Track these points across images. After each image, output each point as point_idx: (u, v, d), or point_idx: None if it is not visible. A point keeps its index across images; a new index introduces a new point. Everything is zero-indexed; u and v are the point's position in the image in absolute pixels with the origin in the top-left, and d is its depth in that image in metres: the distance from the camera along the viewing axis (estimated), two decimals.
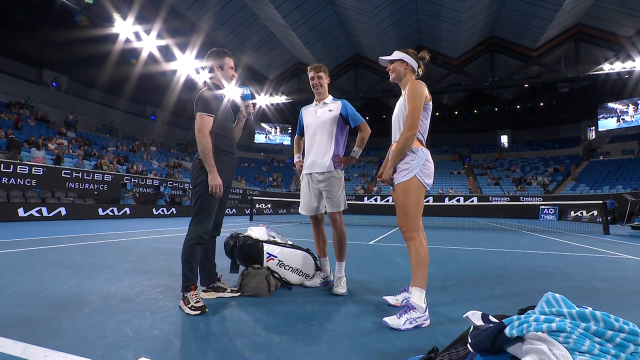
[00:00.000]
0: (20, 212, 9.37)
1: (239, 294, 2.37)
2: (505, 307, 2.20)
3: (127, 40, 18.50)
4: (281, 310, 2.11)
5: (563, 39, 21.91)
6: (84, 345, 1.51)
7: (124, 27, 17.20)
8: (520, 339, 0.93)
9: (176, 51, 20.71)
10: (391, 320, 1.82)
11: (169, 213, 14.40)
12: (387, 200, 23.01)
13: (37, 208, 9.78)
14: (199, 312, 1.96)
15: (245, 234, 2.74)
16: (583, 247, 5.90)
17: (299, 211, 2.74)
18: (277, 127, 33.81)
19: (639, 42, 19.31)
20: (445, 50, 24.46)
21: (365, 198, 25.04)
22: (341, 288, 2.51)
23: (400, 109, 2.18)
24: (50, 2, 14.61)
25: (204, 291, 2.36)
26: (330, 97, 2.89)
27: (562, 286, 2.94)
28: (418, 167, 2.04)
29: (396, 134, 2.19)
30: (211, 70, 2.49)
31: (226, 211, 15.84)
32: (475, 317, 1.18)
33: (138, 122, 27.20)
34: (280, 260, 2.60)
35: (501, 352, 0.97)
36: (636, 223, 9.11)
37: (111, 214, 11.94)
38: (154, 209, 13.85)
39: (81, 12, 15.24)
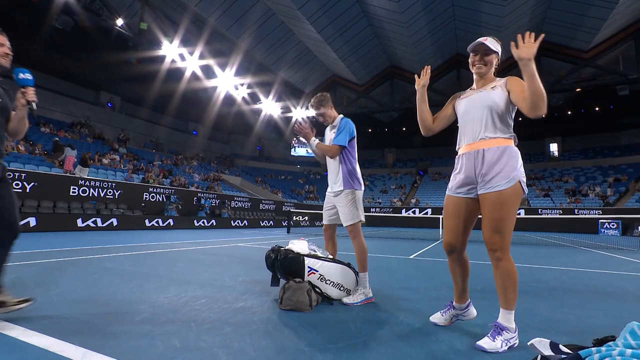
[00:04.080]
0: (79, 222, 10.18)
1: (27, 304, 2.03)
2: (570, 334, 1.98)
3: (173, 61, 19.84)
4: (324, 326, 2.06)
5: (620, 37, 20.27)
6: (136, 353, 1.57)
7: (170, 50, 18.48)
8: None
9: (217, 69, 21.85)
10: (487, 344, 1.70)
11: (209, 224, 14.94)
12: (426, 213, 22.26)
13: (93, 219, 10.57)
14: None
15: (287, 247, 2.74)
16: None
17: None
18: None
19: None
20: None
21: (403, 210, 24.41)
22: (351, 299, 2.58)
23: (489, 101, 1.85)
24: (108, 30, 16.09)
25: None
26: (338, 117, 2.91)
27: (637, 312, 2.62)
28: (521, 170, 1.79)
29: (478, 132, 1.87)
30: None
31: (263, 223, 16.01)
32: (542, 345, 1.07)
33: (181, 137, 28.84)
34: (321, 275, 2.56)
35: None
36: None
37: (156, 225, 12.61)
38: (195, 221, 14.44)
39: (135, 38, 16.62)
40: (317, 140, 2.82)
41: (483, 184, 1.82)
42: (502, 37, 1.85)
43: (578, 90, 23.38)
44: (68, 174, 12.01)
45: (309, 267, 2.55)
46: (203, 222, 14.71)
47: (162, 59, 19.08)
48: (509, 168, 1.76)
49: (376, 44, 24.08)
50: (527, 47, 1.62)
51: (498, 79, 1.96)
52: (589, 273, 4.52)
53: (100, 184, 12.07)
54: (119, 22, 15.98)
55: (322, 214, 3.00)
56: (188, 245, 6.86)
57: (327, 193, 2.97)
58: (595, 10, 17.78)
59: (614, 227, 18.45)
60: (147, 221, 12.28)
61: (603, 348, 0.89)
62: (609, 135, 29.09)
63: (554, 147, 31.62)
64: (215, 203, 17.19)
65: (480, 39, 1.92)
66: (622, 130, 28.51)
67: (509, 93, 1.84)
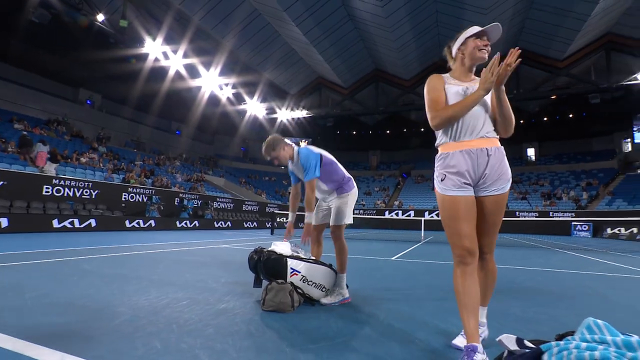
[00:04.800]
0: (55, 223, 9.84)
1: None
2: (538, 331, 2.09)
3: (156, 59, 19.48)
4: (305, 326, 2.09)
5: (592, 48, 21.25)
6: (116, 356, 1.56)
7: (153, 47, 18.14)
8: None
9: (201, 68, 21.59)
10: (462, 343, 1.74)
11: (191, 226, 14.72)
12: (409, 215, 22.60)
13: (70, 219, 10.24)
14: None
15: (270, 249, 2.76)
16: (624, 268, 5.55)
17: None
18: (298, 141, 34.20)
19: None
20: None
21: (386, 212, 24.70)
22: (329, 299, 2.65)
23: (486, 97, 1.75)
24: (88, 26, 15.65)
25: None
26: (295, 153, 2.86)
27: (602, 310, 2.77)
28: None
29: (480, 128, 1.72)
30: None
31: (247, 225, 15.90)
32: (509, 341, 1.14)
33: (164, 137, 28.28)
34: (303, 276, 2.59)
35: None
36: None
37: (137, 226, 12.33)
38: (177, 222, 14.20)
39: (116, 34, 16.23)
40: (308, 214, 2.79)
41: (485, 185, 1.70)
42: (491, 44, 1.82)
43: (553, 97, 24.35)
44: (42, 172, 11.59)
45: (291, 268, 2.58)
46: (185, 223, 14.48)
47: (145, 57, 18.71)
48: (508, 170, 1.73)
49: (361, 47, 24.34)
50: (506, 75, 1.61)
51: (476, 77, 1.82)
52: (561, 273, 4.72)
53: (75, 184, 11.71)
54: (100, 17, 15.58)
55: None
56: (170, 247, 6.75)
57: (320, 200, 3.03)
58: (569, 21, 18.58)
59: (586, 229, 19.25)
60: (127, 222, 11.99)
61: (562, 342, 0.96)
62: (581, 141, 30.35)
63: (531, 152, 32.72)
64: (198, 204, 16.95)
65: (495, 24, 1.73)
66: (593, 137, 29.80)
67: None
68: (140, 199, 14.08)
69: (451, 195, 1.67)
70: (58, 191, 11.18)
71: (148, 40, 17.58)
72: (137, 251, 5.83)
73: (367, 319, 2.29)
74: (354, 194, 2.91)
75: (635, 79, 19.69)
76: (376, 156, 37.72)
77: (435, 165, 1.79)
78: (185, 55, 20.29)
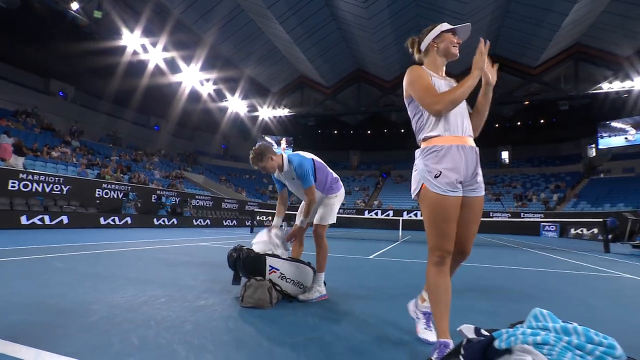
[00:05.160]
0: (23, 219, 9.44)
1: None
2: (499, 323, 2.24)
3: (135, 53, 18.93)
4: (283, 321, 2.16)
5: (563, 57, 22.30)
6: (93, 352, 1.57)
7: (131, 40, 17.61)
8: (508, 351, 0.99)
9: (181, 63, 21.14)
10: (430, 336, 1.85)
11: (169, 223, 14.44)
12: (388, 215, 23.01)
13: (40, 216, 9.84)
14: None
15: (257, 239, 2.82)
16: (582, 265, 5.92)
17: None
18: (280, 140, 34.05)
19: (637, 62, 19.63)
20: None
21: (366, 212, 25.03)
22: (307, 295, 2.70)
23: None
24: (61, 15, 15.02)
25: None
26: (285, 162, 2.81)
27: (559, 304, 2.98)
28: None
29: (466, 125, 1.71)
30: None
31: (226, 223, 15.78)
32: (468, 330, 1.25)
33: (142, 132, 27.52)
34: (282, 273, 2.66)
35: None
36: (637, 242, 9.11)
37: (112, 223, 11.99)
38: (154, 219, 13.90)
39: (91, 25, 15.65)
40: (301, 220, 2.82)
41: (471, 185, 1.67)
42: (461, 49, 1.87)
43: (526, 103, 25.38)
44: (8, 165, 11.06)
45: (270, 266, 2.64)
46: (163, 221, 14.19)
47: (123, 49, 18.15)
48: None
49: (344, 48, 24.51)
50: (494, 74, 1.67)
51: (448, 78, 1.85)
52: (527, 271, 5.00)
53: (45, 179, 11.24)
54: (75, 6, 14.98)
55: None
56: (147, 245, 6.64)
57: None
58: (542, 31, 19.43)
59: (553, 229, 20.22)
60: (102, 219, 11.64)
61: (511, 329, 1.08)
62: (551, 145, 31.79)
63: (505, 155, 33.98)
64: (176, 201, 16.63)
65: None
66: (562, 142, 31.29)
67: None
68: (116, 196, 13.68)
69: (446, 195, 1.57)
70: (25, 186, 10.70)
71: (126, 32, 17.06)
72: (113, 249, 5.71)
73: (343, 315, 2.38)
74: (341, 194, 2.99)
75: (600, 88, 20.82)
76: (357, 156, 38.09)
77: (422, 160, 1.66)
78: (164, 49, 19.81)
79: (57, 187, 11.55)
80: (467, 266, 5.27)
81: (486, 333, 1.20)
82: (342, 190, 3.03)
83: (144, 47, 19.12)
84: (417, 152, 1.72)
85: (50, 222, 10.06)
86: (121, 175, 16.01)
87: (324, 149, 34.86)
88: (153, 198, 15.43)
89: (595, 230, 16.45)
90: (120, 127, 25.25)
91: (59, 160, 14.32)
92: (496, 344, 1.02)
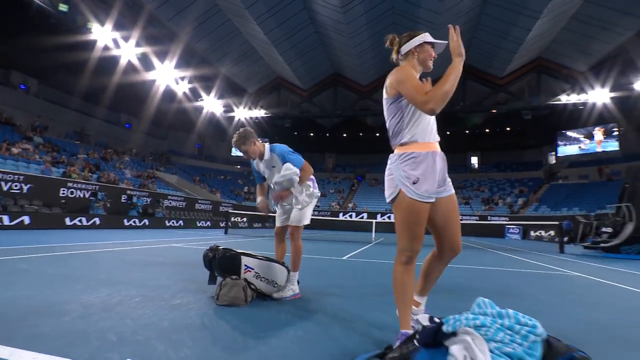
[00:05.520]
0: None
1: None
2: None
3: (106, 48, 18.28)
4: (257, 318, 2.26)
5: (527, 70, 23.69)
6: (70, 348, 1.60)
7: (101, 34, 17.02)
8: (454, 333, 1.16)
9: (155, 60, 20.62)
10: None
11: (141, 224, 14.03)
12: (362, 217, 23.43)
13: None
14: None
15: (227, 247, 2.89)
16: (539, 265, 6.38)
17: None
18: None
19: (591, 77, 21.18)
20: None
21: (340, 214, 25.34)
22: (280, 294, 2.79)
23: None
24: (25, 4, 14.29)
25: None
26: (266, 150, 2.94)
27: (512, 299, 3.25)
28: None
29: (435, 132, 1.83)
30: None
31: (200, 224, 15.51)
32: (423, 319, 1.41)
33: (112, 130, 26.44)
34: (257, 272, 2.75)
35: (440, 345, 1.19)
36: (588, 243, 9.85)
37: (79, 224, 11.52)
38: (125, 220, 13.46)
39: (57, 16, 14.99)
40: (297, 187, 2.86)
41: (442, 186, 1.78)
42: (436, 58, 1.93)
43: (494, 111, 26.66)
44: None
45: (245, 265, 2.73)
46: (134, 222, 13.76)
47: (92, 43, 17.49)
48: None
49: (322, 51, 24.80)
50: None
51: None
52: (489, 271, 5.34)
53: (3, 176, 10.64)
54: None
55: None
56: (118, 246, 6.48)
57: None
58: (508, 44, 20.58)
59: (517, 232, 21.36)
60: (67, 220, 11.15)
61: (457, 315, 1.25)
62: (516, 152, 33.54)
63: (474, 160, 35.46)
64: (148, 202, 16.17)
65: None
66: (526, 149, 33.09)
67: None
68: (82, 195, 13.15)
69: (422, 201, 1.65)
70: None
71: (96, 26, 16.46)
72: (81, 250, 5.54)
73: (315, 312, 2.50)
74: (316, 196, 3.10)
75: (559, 99, 22.29)
76: (332, 158, 38.45)
77: (400, 165, 1.71)
78: (137, 45, 19.27)
79: (16, 186, 10.96)
80: None
81: (438, 320, 1.37)
82: (318, 192, 3.16)
83: (115, 41, 18.50)
84: (393, 157, 1.77)
85: (10, 222, 9.54)
86: (89, 174, 15.38)
87: (300, 151, 34.37)
88: (123, 198, 14.93)
89: (553, 233, 17.56)
90: (90, 124, 24.15)
91: (19, 157, 13.58)
92: (444, 328, 1.18)
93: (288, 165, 2.78)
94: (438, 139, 1.80)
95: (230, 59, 23.77)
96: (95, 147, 21.86)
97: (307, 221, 3.00)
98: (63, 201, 12.26)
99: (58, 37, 16.18)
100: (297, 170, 2.79)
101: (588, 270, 5.78)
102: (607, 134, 25.74)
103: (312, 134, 35.74)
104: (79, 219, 11.54)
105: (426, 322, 1.39)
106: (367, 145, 35.63)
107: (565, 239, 13.02)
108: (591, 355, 1.45)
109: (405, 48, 1.86)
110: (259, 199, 3.08)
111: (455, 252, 1.86)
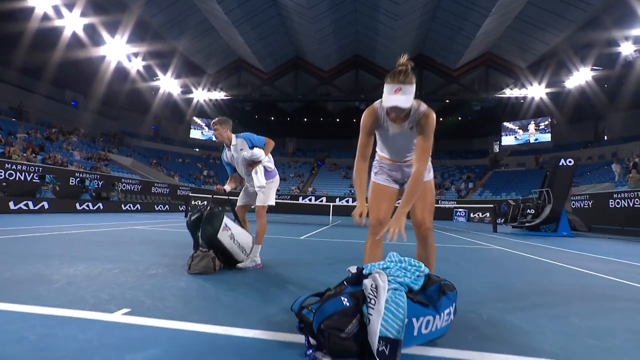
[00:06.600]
0: None
1: None
2: None
3: (46, 17, 16.84)
4: (226, 280, 2.71)
5: (477, 63, 25.36)
6: (71, 304, 1.94)
7: (40, 1, 15.65)
8: (370, 274, 1.70)
9: (105, 34, 19.33)
10: None
11: (95, 208, 13.55)
12: (321, 201, 24.19)
13: None
14: None
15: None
16: (472, 242, 7.38)
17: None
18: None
19: (529, 74, 23.26)
20: (380, 62, 26.53)
21: (300, 198, 25.91)
22: (244, 264, 3.26)
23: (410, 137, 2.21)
24: None
25: None
26: (233, 137, 3.45)
27: (446, 268, 3.96)
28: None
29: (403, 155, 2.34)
30: None
31: (158, 208, 15.21)
32: (353, 269, 1.94)
33: (56, 108, 24.45)
34: (232, 234, 3.16)
35: (360, 283, 1.73)
36: (515, 223, 11.30)
37: (25, 208, 10.95)
38: (77, 204, 12.94)
39: None
40: (251, 153, 3.35)
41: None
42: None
43: (447, 101, 28.32)
44: None
45: (225, 224, 3.12)
46: (87, 206, 13.26)
47: (29, 11, 16.02)
48: None
49: (283, 34, 24.62)
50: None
51: (412, 111, 2.07)
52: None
53: None
54: None
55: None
56: (76, 229, 6.47)
57: (247, 184, 3.59)
58: (461, 38, 21.87)
59: (463, 214, 23.35)
60: (12, 204, 10.55)
61: (373, 263, 1.79)
62: (466, 141, 35.99)
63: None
64: (100, 185, 15.54)
65: (396, 100, 1.80)
66: (474, 138, 35.61)
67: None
68: (26, 178, 12.40)
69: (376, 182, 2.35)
70: None
71: None
72: (38, 233, 5.53)
73: (274, 277, 3.00)
74: (277, 180, 3.64)
75: (504, 93, 24.24)
76: (293, 143, 38.66)
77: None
78: (83, 14, 17.91)
79: None
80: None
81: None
82: (278, 177, 3.62)
83: (56, 9, 17.04)
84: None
85: None
86: (32, 155, 14.41)
87: (260, 135, 34.65)
88: (71, 181, 14.24)
89: (488, 214, 19.53)
90: (29, 100, 22.15)
91: None
92: (364, 272, 1.71)
93: (255, 150, 3.34)
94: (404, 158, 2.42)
95: (189, 37, 22.85)
96: (37, 125, 20.26)
97: (271, 202, 3.46)
98: (5, 184, 11.51)
99: None
100: (262, 154, 3.37)
101: (507, 245, 6.85)
102: (537, 128, 28.63)
103: (272, 118, 35.59)
104: (25, 202, 10.96)
105: (354, 270, 1.92)
106: (327, 130, 36.23)
107: (501, 220, 14.70)
108: (486, 301, 2.12)
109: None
110: (226, 186, 3.51)
111: (419, 227, 2.28)
